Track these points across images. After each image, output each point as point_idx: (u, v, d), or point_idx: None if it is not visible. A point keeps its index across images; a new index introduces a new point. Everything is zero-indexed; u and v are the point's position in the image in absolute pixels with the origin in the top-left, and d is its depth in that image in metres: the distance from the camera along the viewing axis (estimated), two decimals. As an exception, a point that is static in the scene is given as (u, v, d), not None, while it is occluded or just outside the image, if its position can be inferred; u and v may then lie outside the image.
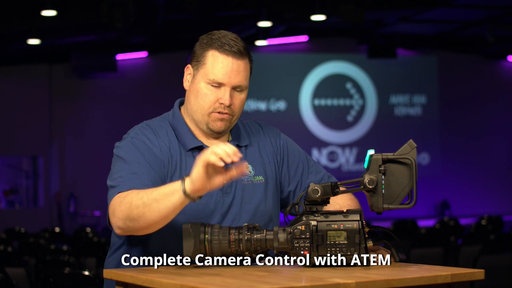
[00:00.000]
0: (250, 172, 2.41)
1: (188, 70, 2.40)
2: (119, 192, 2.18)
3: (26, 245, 7.18)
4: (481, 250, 5.95)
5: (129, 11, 9.48)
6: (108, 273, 2.10)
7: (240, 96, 2.36)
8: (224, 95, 2.32)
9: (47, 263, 5.60)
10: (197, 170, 2.00)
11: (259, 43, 12.95)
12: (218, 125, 2.35)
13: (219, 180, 2.02)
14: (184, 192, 2.02)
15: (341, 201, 2.37)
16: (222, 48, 2.31)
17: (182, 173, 2.32)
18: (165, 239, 2.29)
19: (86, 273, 4.05)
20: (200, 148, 2.37)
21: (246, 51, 2.36)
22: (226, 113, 2.33)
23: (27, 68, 13.19)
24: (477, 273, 1.95)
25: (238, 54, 2.32)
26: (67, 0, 10.08)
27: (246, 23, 11.58)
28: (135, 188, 2.17)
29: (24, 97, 13.13)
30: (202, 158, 1.99)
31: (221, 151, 1.97)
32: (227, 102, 2.31)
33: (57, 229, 9.37)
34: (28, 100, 13.16)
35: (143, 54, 13.73)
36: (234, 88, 2.34)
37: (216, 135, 2.39)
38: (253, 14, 11.15)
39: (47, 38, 11.25)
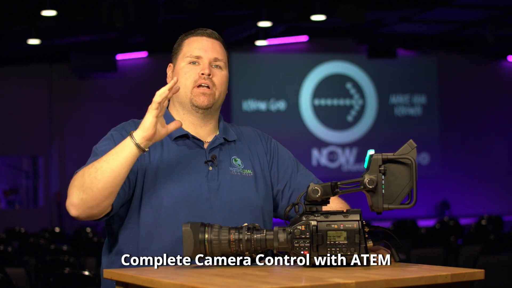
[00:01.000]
0: (240, 165, 2.43)
1: (170, 68, 2.53)
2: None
3: (26, 245, 7.18)
4: (481, 250, 5.95)
5: (129, 11, 9.48)
6: (108, 273, 2.09)
7: (220, 73, 2.44)
8: (203, 65, 2.41)
9: (47, 263, 5.60)
10: (149, 118, 2.14)
11: (259, 43, 12.93)
12: (201, 99, 2.40)
13: (164, 130, 2.19)
14: (136, 143, 2.13)
15: (333, 205, 2.38)
16: (196, 32, 2.48)
17: (163, 157, 2.35)
18: (156, 240, 2.30)
19: (86, 273, 4.05)
20: (186, 136, 2.40)
21: (220, 37, 2.49)
22: (207, 86, 2.39)
23: (27, 68, 13.19)
24: (477, 273, 1.95)
25: (211, 35, 2.47)
26: (67, 0, 10.08)
27: (246, 23, 11.57)
28: None
29: (24, 97, 13.12)
30: (151, 106, 2.13)
31: (161, 90, 2.13)
32: (206, 71, 2.39)
33: (57, 229, 9.37)
34: (28, 100, 13.15)
35: (143, 54, 13.72)
36: (213, 64, 2.42)
37: (202, 111, 2.42)
38: (253, 14, 11.15)
39: (47, 38, 11.25)
